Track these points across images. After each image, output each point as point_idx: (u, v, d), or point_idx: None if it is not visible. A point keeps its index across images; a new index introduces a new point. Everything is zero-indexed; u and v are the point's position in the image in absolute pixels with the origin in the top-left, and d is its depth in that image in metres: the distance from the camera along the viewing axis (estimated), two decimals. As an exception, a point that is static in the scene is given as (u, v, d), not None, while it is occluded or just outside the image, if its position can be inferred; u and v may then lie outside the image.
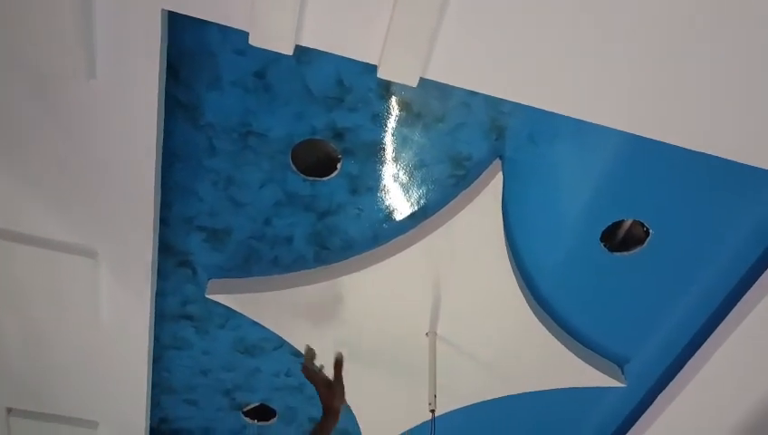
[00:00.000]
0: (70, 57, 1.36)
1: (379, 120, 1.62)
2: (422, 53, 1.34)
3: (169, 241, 1.89)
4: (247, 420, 2.47)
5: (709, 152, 1.52)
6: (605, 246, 1.84)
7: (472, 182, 1.72)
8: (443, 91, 1.55)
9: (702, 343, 1.99)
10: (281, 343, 2.15)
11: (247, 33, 1.32)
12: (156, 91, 1.45)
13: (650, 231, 1.80)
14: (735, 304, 1.88)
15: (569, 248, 1.85)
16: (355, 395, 2.27)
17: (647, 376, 2.17)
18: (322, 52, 1.39)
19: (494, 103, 1.57)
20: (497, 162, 1.67)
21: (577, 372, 2.10)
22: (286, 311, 1.99)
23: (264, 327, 2.07)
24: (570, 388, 2.17)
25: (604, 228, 1.80)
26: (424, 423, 2.13)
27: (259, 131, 1.65)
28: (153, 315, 2.01)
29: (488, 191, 1.68)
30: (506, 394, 2.24)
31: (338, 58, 1.40)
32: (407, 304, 1.97)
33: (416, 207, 1.79)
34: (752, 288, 1.82)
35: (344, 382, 1.78)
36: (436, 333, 2.02)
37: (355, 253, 1.90)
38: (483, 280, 1.88)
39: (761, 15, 1.26)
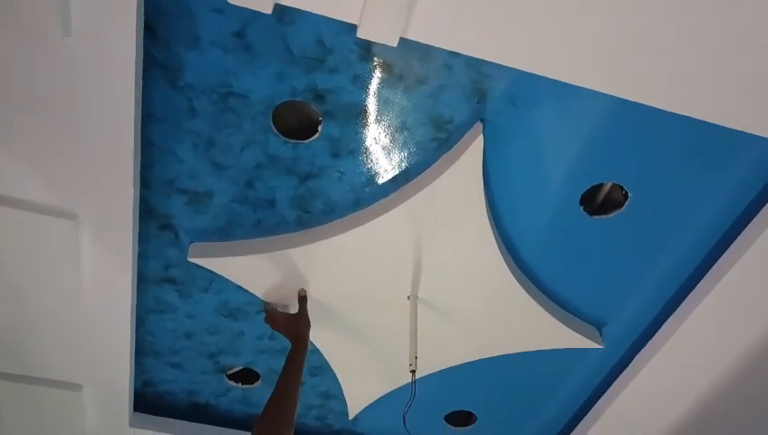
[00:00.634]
0: (44, 14, 1.34)
1: (361, 81, 1.61)
2: (402, 13, 1.34)
3: (150, 204, 1.88)
4: (231, 383, 2.49)
5: (689, 115, 1.53)
6: (584, 209, 1.86)
7: (453, 145, 1.72)
8: (424, 52, 1.54)
9: (677, 306, 2.03)
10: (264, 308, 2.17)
11: (226, -9, 1.31)
12: (133, 50, 1.43)
13: (629, 194, 1.82)
14: (711, 268, 1.92)
15: (548, 212, 1.86)
16: (337, 358, 2.32)
17: (624, 338, 2.21)
18: (302, 11, 1.38)
19: (475, 65, 1.56)
20: (478, 125, 1.67)
21: (556, 335, 2.14)
22: (269, 274, 2.00)
23: (247, 291, 2.08)
24: (549, 350, 2.21)
25: (584, 192, 1.82)
26: (405, 385, 2.17)
27: (239, 92, 1.64)
28: (135, 279, 2.01)
29: (469, 154, 1.68)
30: (486, 356, 2.27)
31: (318, 17, 1.39)
32: (388, 267, 1.98)
33: (397, 171, 1.80)
34: (727, 251, 1.86)
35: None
36: (417, 297, 2.04)
37: (337, 216, 1.91)
38: (463, 243, 1.89)
39: (740, -24, 1.26)
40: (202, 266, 2.00)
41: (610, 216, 1.88)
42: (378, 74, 1.60)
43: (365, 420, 2.61)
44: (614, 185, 1.84)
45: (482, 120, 1.67)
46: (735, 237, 1.84)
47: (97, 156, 1.64)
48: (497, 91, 1.62)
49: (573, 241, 1.94)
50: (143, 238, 1.96)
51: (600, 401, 2.38)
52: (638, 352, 2.19)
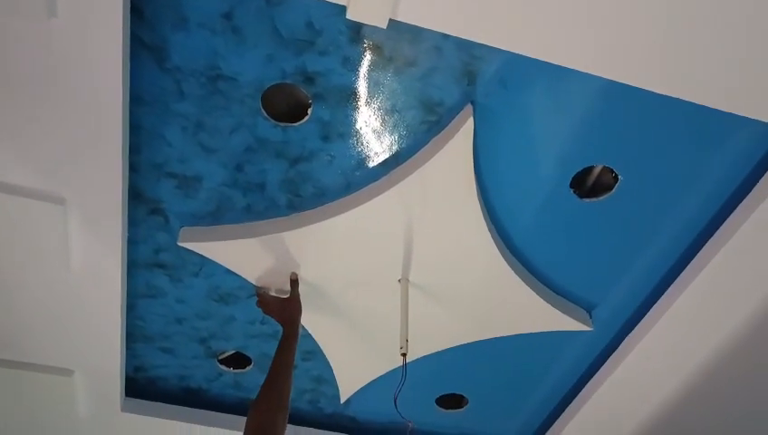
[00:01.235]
0: (28, -6, 1.32)
1: (350, 64, 1.60)
2: (391, -7, 1.32)
3: (140, 188, 1.87)
4: (223, 367, 2.50)
5: (679, 97, 1.53)
6: (575, 192, 1.86)
7: (444, 128, 1.72)
8: (415, 34, 1.53)
9: (667, 289, 2.05)
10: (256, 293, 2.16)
11: (212, -30, 1.29)
12: (120, 31, 1.41)
13: (619, 177, 1.82)
14: (699, 251, 1.93)
15: (539, 195, 1.86)
16: (329, 342, 2.32)
17: (613, 321, 2.23)
18: (291, -9, 1.36)
19: (465, 47, 1.55)
20: (469, 108, 1.66)
21: (546, 317, 2.15)
22: (259, 258, 2.00)
23: (237, 275, 2.08)
24: (539, 332, 2.22)
25: (574, 175, 1.82)
26: (396, 369, 2.18)
27: (228, 75, 1.62)
28: (125, 264, 2.00)
29: (460, 137, 1.68)
30: (477, 339, 2.29)
31: (307, -1, 1.38)
32: (379, 250, 1.98)
33: (388, 154, 1.79)
34: (715, 234, 1.87)
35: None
36: (408, 280, 2.05)
37: (327, 200, 1.90)
38: (454, 226, 1.90)
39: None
40: (192, 251, 1.99)
41: (601, 199, 1.88)
42: (368, 57, 1.59)
43: (357, 404, 2.62)
44: (604, 168, 1.84)
45: (472, 103, 1.66)
46: (724, 220, 1.85)
47: (85, 139, 1.63)
48: (488, 74, 1.61)
49: (563, 224, 1.94)
50: (132, 223, 1.95)
51: (589, 383, 2.40)
52: (627, 335, 2.21)
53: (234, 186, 1.87)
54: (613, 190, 1.85)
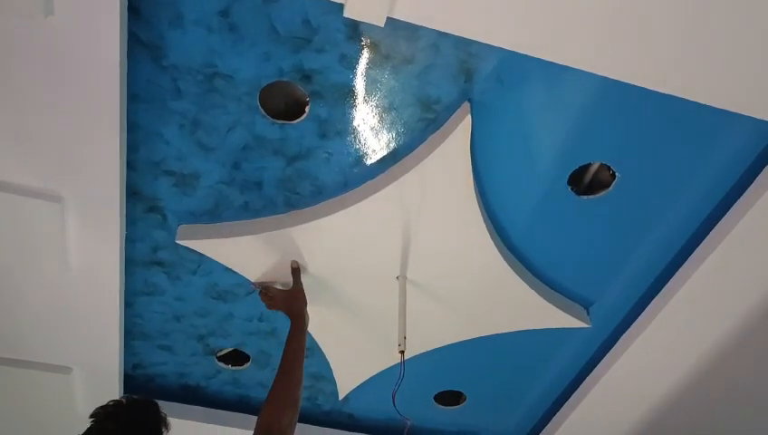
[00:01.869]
0: (25, -8, 1.32)
1: (348, 61, 1.60)
2: (388, -9, 1.32)
3: (137, 186, 1.87)
4: (221, 364, 2.50)
5: (676, 95, 1.54)
6: (572, 189, 1.86)
7: (441, 125, 1.72)
8: (412, 31, 1.53)
9: (664, 285, 2.05)
10: (253, 289, 2.16)
11: (209, -32, 1.29)
12: (117, 29, 1.41)
13: (616, 175, 1.82)
14: (696, 247, 1.93)
15: (536, 192, 1.87)
16: (327, 339, 2.33)
17: (610, 318, 2.23)
18: (288, -11, 1.36)
19: (462, 45, 1.55)
20: (466, 105, 1.66)
21: (544, 314, 2.15)
22: (257, 256, 2.00)
23: (235, 272, 2.08)
24: (537, 329, 2.23)
25: (571, 172, 1.82)
26: (394, 366, 2.18)
27: (225, 73, 1.62)
28: (123, 261, 2.00)
29: (457, 134, 1.68)
30: (475, 336, 2.29)
31: (304, -4, 1.38)
32: (377, 248, 1.98)
33: (385, 152, 1.79)
34: (712, 231, 1.87)
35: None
36: (405, 277, 2.05)
37: (325, 197, 1.90)
38: (452, 223, 1.90)
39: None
40: (190, 249, 1.99)
41: (598, 196, 1.88)
42: (365, 54, 1.59)
43: (355, 401, 2.63)
44: (601, 165, 1.85)
45: (469, 100, 1.66)
46: (721, 217, 1.85)
47: (82, 138, 1.63)
48: (485, 71, 1.61)
49: (561, 221, 1.95)
50: (130, 221, 1.95)
51: (587, 379, 2.40)
52: (624, 332, 2.21)
53: (231, 183, 1.87)
54: (610, 188, 1.85)
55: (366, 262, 2.04)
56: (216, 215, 1.96)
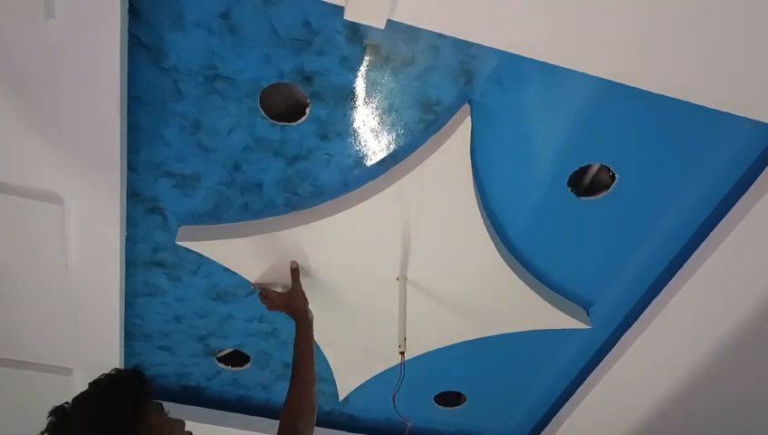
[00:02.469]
0: (26, -5, 1.32)
1: (348, 63, 1.61)
2: (389, -6, 1.33)
3: (138, 187, 1.87)
4: (221, 365, 2.50)
5: (675, 97, 1.54)
6: (572, 191, 1.87)
7: (441, 127, 1.72)
8: (412, 33, 1.54)
9: (664, 286, 2.05)
10: (253, 290, 2.17)
11: (209, -29, 1.29)
12: (117, 31, 1.41)
13: (616, 176, 1.83)
14: (696, 249, 1.94)
15: (536, 193, 1.87)
16: (327, 339, 2.33)
17: (610, 319, 2.23)
18: (288, -9, 1.37)
19: (462, 47, 1.56)
20: (466, 107, 1.67)
21: (544, 315, 2.16)
22: (257, 257, 2.00)
23: (235, 273, 2.08)
24: (537, 330, 2.23)
25: (571, 173, 1.82)
26: (394, 366, 2.18)
27: (226, 75, 1.62)
28: (124, 262, 2.01)
29: (457, 136, 1.68)
30: (475, 337, 2.29)
31: (304, -1, 1.38)
32: (377, 249, 1.99)
33: (385, 153, 1.80)
34: (712, 232, 1.87)
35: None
36: (406, 278, 2.05)
37: (325, 199, 1.90)
38: (452, 225, 1.90)
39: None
40: (191, 250, 1.99)
41: (598, 197, 1.89)
42: (365, 56, 1.59)
43: (355, 402, 2.63)
44: (601, 166, 1.85)
45: (469, 102, 1.66)
46: (721, 219, 1.85)
47: (83, 139, 1.63)
48: (485, 73, 1.61)
49: (561, 222, 1.95)
50: (131, 222, 1.95)
51: (587, 380, 2.41)
52: (624, 333, 2.21)
53: (232, 185, 1.87)
54: (610, 189, 1.86)
55: (366, 263, 2.04)
56: (216, 216, 1.96)
